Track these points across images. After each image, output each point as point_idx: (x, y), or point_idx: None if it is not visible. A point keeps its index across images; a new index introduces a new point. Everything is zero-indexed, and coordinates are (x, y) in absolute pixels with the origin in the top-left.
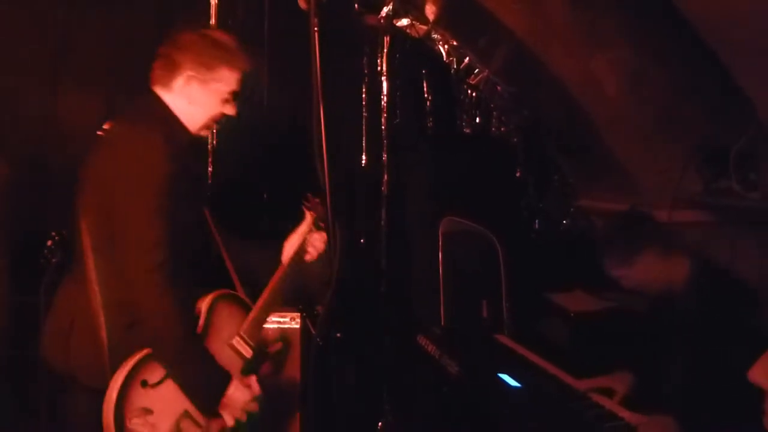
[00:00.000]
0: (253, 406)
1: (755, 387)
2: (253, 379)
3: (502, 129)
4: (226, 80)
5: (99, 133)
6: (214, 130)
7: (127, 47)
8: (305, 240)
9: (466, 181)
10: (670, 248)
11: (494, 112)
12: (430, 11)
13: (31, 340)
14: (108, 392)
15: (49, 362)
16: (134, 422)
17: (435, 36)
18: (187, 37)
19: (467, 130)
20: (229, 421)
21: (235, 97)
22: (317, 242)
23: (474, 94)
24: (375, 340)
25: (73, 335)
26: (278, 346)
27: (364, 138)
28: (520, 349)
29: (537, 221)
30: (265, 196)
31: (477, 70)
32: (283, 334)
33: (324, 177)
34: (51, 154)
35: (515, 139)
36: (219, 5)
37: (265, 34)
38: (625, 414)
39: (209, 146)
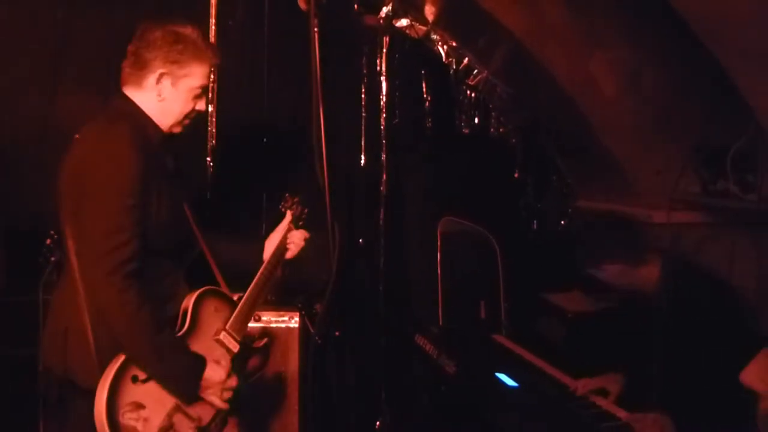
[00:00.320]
0: (232, 383)
1: (746, 389)
2: (225, 357)
3: (501, 129)
4: (197, 75)
5: (76, 136)
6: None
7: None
8: (285, 237)
9: (464, 181)
10: (639, 256)
11: (493, 113)
12: (429, 12)
13: (31, 339)
14: (99, 388)
15: (48, 366)
16: (127, 417)
17: (434, 36)
18: (155, 34)
19: (466, 131)
20: (218, 403)
21: (205, 91)
22: (296, 239)
23: (473, 95)
24: (373, 339)
25: (68, 339)
26: (264, 341)
27: (363, 138)
28: (518, 349)
29: (535, 221)
30: (264, 196)
31: (476, 71)
32: (266, 331)
33: (323, 177)
34: (51, 154)
35: (514, 140)
36: (219, 5)
37: (265, 34)
38: (621, 414)
39: (209, 146)
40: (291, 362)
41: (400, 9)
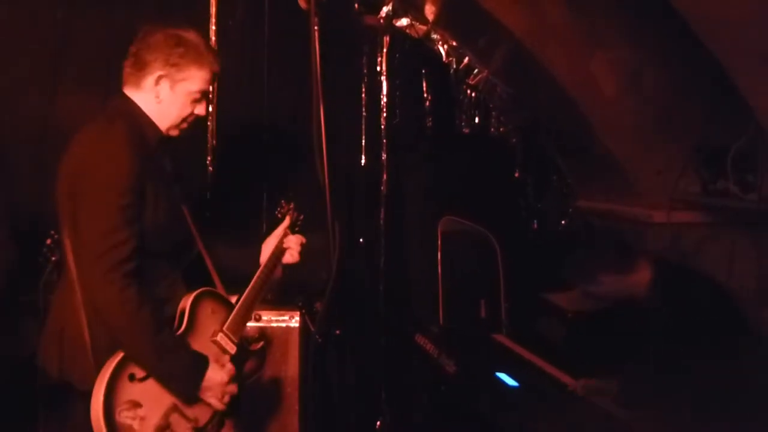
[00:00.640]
0: (233, 388)
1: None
2: (226, 359)
3: (501, 129)
4: (196, 80)
5: (75, 136)
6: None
7: (127, 47)
8: (281, 242)
9: (464, 181)
10: (628, 263)
11: (493, 113)
12: (429, 11)
13: (31, 339)
14: (96, 386)
15: (45, 369)
16: (124, 415)
17: (434, 36)
18: (157, 36)
19: (466, 130)
20: (217, 405)
21: (205, 96)
22: (293, 244)
23: (473, 95)
24: (373, 338)
25: (64, 340)
26: (260, 344)
27: (363, 138)
28: (518, 349)
29: (535, 221)
30: (264, 195)
31: (476, 71)
32: (263, 333)
33: (324, 176)
34: (51, 154)
35: (514, 140)
36: (219, 5)
37: (265, 33)
38: (622, 414)
39: (209, 146)
40: (291, 361)
41: (401, 8)
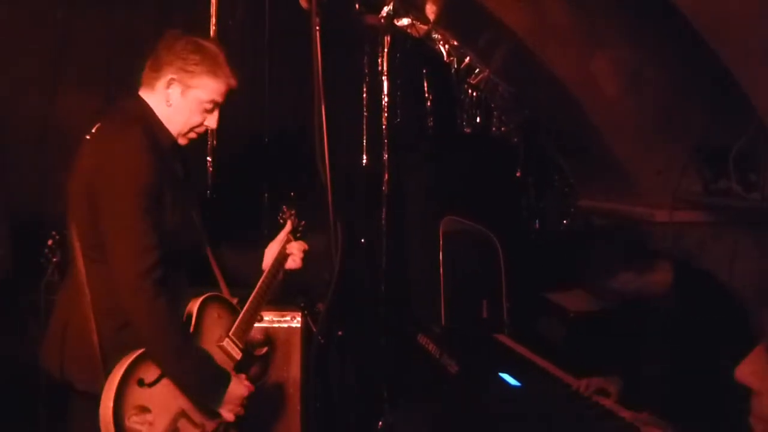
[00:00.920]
0: (245, 403)
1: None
2: (243, 377)
3: (503, 129)
4: (208, 89)
5: (87, 136)
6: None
7: (127, 47)
8: (284, 247)
9: (466, 180)
10: (648, 263)
11: (495, 112)
12: (430, 11)
13: (32, 339)
14: (105, 391)
15: (46, 368)
16: (133, 420)
17: (435, 36)
18: (177, 40)
19: (467, 130)
20: (230, 417)
21: (217, 108)
22: (295, 250)
23: (474, 94)
24: (374, 339)
25: (66, 341)
26: (264, 350)
27: (364, 137)
28: (520, 349)
29: (537, 221)
30: (266, 195)
31: (477, 70)
32: (268, 335)
33: (325, 176)
34: (51, 154)
35: (515, 139)
36: (219, 4)
37: (265, 33)
38: (624, 413)
39: (209, 146)
40: (293, 362)
41: (401, 8)
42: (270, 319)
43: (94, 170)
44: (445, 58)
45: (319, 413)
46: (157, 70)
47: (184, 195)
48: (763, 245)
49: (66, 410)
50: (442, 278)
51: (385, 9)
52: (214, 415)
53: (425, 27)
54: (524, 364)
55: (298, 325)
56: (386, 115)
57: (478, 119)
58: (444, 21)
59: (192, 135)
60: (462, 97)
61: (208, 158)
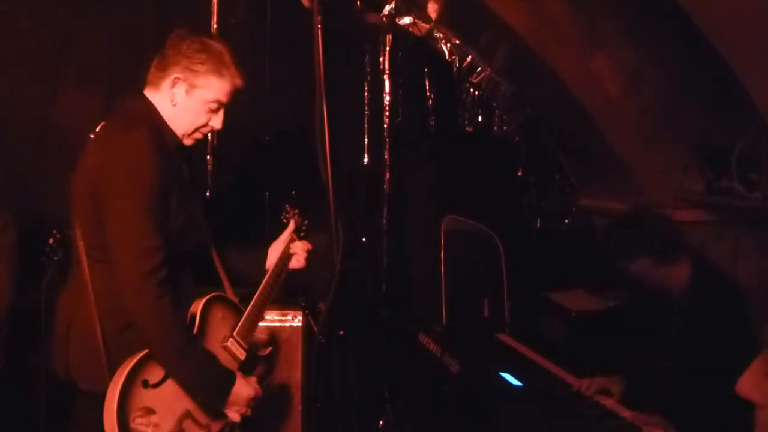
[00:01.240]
0: (253, 405)
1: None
2: (253, 380)
3: (504, 128)
4: (213, 89)
5: (91, 135)
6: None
7: (127, 47)
8: (288, 247)
9: (467, 179)
10: (669, 256)
11: (496, 111)
12: (432, 10)
13: (32, 339)
14: (109, 392)
15: (51, 368)
16: (137, 422)
17: (437, 34)
18: (183, 39)
19: (469, 129)
20: (236, 418)
21: (222, 109)
22: (299, 250)
23: (476, 93)
24: (375, 338)
25: (70, 340)
26: (269, 350)
27: (366, 136)
28: (522, 348)
29: (538, 220)
30: (267, 195)
31: (479, 69)
32: (272, 335)
33: (326, 175)
34: (51, 154)
35: (517, 138)
36: (220, 4)
37: (267, 32)
38: (626, 413)
39: (209, 146)
40: (294, 361)
41: (403, 7)
42: (271, 318)
43: (98, 170)
44: (446, 57)
45: (320, 413)
46: (163, 69)
47: (190, 195)
48: (765, 245)
49: (69, 410)
50: (443, 277)
51: (387, 8)
52: (220, 415)
53: (427, 26)
54: (525, 363)
55: (300, 325)
56: (388, 114)
57: (479, 118)
58: (446, 20)
59: (197, 135)
60: (463, 96)
61: (209, 157)
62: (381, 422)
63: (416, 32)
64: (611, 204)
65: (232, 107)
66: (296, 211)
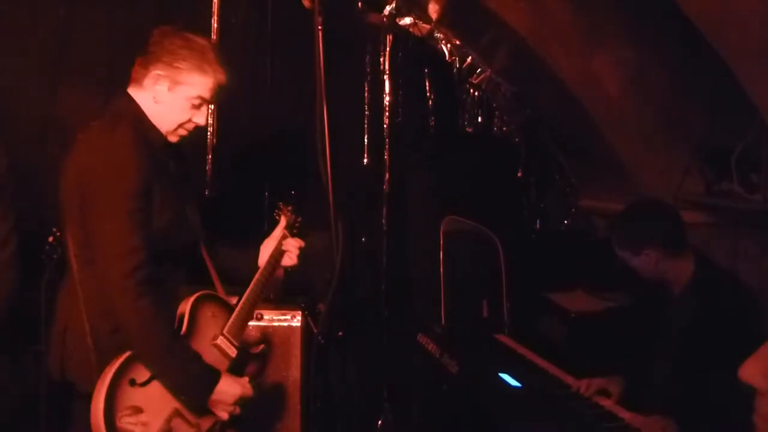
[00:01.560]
0: (242, 403)
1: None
2: (245, 380)
3: (504, 128)
4: (196, 85)
5: (79, 135)
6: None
7: (127, 47)
8: (280, 244)
9: (467, 180)
10: (675, 249)
11: (496, 112)
12: (433, 10)
13: (32, 338)
14: (96, 391)
15: (48, 368)
16: (125, 421)
17: (437, 35)
18: (166, 35)
19: (469, 130)
20: (223, 416)
21: (205, 105)
22: (291, 247)
23: (476, 94)
24: (375, 338)
25: (66, 341)
26: (261, 347)
27: (366, 137)
28: (521, 349)
29: (538, 221)
30: (266, 195)
31: (479, 70)
32: (264, 335)
33: (327, 175)
34: (51, 153)
35: (517, 139)
36: (221, 4)
37: (267, 32)
38: (625, 414)
39: (209, 144)
40: (293, 361)
41: (404, 7)
42: (270, 318)
43: (81, 171)
44: (447, 58)
45: (319, 413)
46: (146, 66)
47: (178, 193)
48: (765, 246)
49: (68, 410)
50: (442, 278)
51: (388, 8)
52: (209, 414)
53: (427, 26)
54: (524, 364)
55: (299, 324)
56: (388, 114)
57: (479, 119)
58: (446, 20)
59: (181, 132)
60: (464, 96)
61: (209, 157)
62: (380, 422)
63: (417, 33)
64: (611, 204)
65: (232, 107)
66: (289, 207)
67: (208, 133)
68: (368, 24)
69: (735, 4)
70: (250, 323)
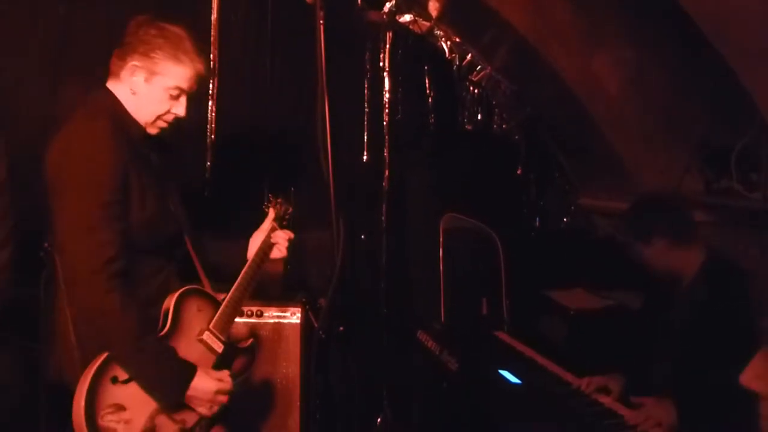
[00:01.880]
0: (222, 399)
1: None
2: (225, 374)
3: (504, 126)
4: (172, 75)
5: (54, 130)
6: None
7: None
8: (269, 236)
9: (467, 177)
10: (685, 238)
11: (496, 110)
12: (433, 7)
13: (32, 337)
14: (78, 389)
15: (45, 368)
16: (108, 419)
17: (438, 32)
18: (141, 26)
19: (469, 127)
20: (205, 412)
21: (184, 95)
22: (280, 239)
23: (476, 91)
24: (374, 335)
25: (58, 341)
26: (249, 341)
27: (365, 134)
28: (520, 346)
29: (537, 219)
30: (266, 192)
31: (479, 67)
32: (252, 330)
33: (327, 172)
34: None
35: (517, 137)
36: (221, 4)
37: (268, 28)
38: (624, 412)
39: (208, 141)
40: (292, 358)
41: (404, 4)
42: (269, 314)
43: (56, 166)
44: (446, 55)
45: (318, 410)
46: (122, 58)
47: (160, 185)
48: (765, 245)
49: (64, 411)
50: (442, 275)
51: (388, 5)
52: (192, 409)
53: (427, 24)
54: (524, 361)
55: (298, 321)
56: (387, 111)
57: (479, 116)
58: (446, 18)
59: (161, 123)
60: (463, 94)
61: (208, 154)
62: (379, 419)
63: (417, 30)
64: (611, 204)
65: (232, 104)
66: (279, 199)
67: (207, 131)
68: (368, 21)
69: (735, 4)
70: (249, 320)
